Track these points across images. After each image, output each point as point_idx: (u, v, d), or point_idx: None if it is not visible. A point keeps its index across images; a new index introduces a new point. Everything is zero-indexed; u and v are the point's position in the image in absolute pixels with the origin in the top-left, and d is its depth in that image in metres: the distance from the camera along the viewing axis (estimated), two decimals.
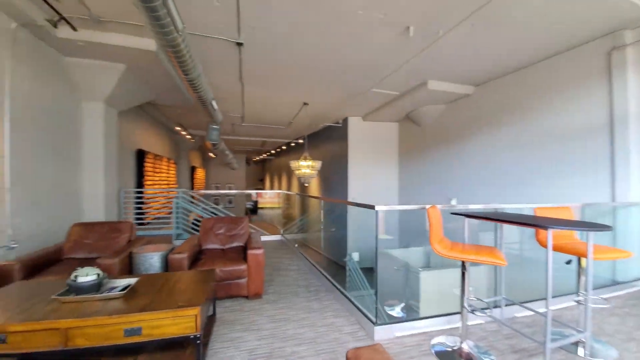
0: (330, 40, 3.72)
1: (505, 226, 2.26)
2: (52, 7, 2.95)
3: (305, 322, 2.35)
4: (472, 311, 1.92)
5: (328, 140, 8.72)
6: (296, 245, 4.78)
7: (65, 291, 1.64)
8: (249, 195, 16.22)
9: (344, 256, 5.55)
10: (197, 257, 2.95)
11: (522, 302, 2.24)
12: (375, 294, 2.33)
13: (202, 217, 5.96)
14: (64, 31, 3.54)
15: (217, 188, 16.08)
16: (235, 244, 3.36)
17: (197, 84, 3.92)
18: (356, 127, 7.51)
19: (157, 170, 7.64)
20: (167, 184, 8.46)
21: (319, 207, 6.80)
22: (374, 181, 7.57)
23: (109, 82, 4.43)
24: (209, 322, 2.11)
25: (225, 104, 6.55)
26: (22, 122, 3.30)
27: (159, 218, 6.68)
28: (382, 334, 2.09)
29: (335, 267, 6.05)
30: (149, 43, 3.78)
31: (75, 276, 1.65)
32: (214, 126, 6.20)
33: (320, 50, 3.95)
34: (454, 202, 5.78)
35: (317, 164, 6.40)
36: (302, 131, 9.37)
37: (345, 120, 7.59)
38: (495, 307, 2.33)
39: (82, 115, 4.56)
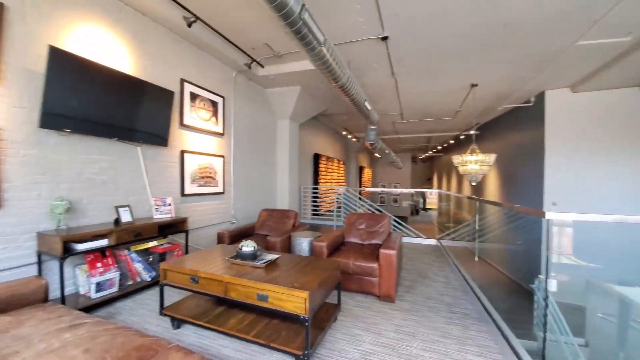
0: None
1: None
2: (249, 55, 4.16)
3: (436, 347, 1.96)
4: None
5: (511, 127, 6.83)
6: (448, 253, 4.08)
7: (234, 256, 2.27)
8: (415, 194, 15.63)
9: (531, 278, 4.14)
10: (338, 247, 3.18)
11: None
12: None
13: (373, 211, 6.37)
14: (261, 71, 4.89)
15: (384, 187, 16.65)
16: (374, 241, 3.34)
17: (347, 88, 4.22)
18: (559, 103, 5.33)
19: (329, 170, 8.91)
20: (337, 182, 9.70)
21: (492, 211, 5.48)
22: (592, 181, 5.14)
23: (291, 102, 5.65)
24: (329, 309, 2.22)
25: (381, 104, 6.66)
26: (240, 138, 4.86)
27: (330, 211, 7.73)
28: None
29: (510, 290, 4.64)
30: (308, 63, 4.48)
31: (241, 246, 2.23)
32: (371, 127, 6.46)
33: (481, 9, 3.13)
34: None
35: (489, 158, 5.16)
36: (474, 120, 7.90)
37: (540, 97, 5.63)
38: None
39: (277, 130, 6.10)
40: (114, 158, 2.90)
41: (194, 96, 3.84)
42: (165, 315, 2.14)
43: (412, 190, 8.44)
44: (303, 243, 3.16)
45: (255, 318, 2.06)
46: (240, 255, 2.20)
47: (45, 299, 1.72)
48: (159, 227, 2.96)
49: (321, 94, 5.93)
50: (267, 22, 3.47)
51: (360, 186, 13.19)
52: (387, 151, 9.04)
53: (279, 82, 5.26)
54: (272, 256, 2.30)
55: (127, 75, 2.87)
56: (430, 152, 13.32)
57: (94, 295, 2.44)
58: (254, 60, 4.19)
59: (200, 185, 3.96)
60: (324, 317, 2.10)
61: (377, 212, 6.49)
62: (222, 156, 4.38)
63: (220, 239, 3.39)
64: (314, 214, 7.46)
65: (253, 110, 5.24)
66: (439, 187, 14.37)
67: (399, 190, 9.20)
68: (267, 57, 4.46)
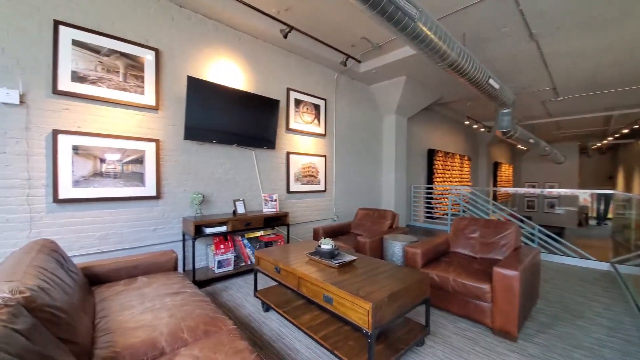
0: None
1: None
2: (344, 53, 4.13)
3: None
4: None
5: None
6: (627, 286, 2.62)
7: (313, 252, 2.28)
8: (588, 197, 11.47)
9: None
10: (439, 257, 2.67)
11: None
12: None
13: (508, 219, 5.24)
14: (362, 67, 4.79)
15: (533, 188, 13.05)
16: (491, 255, 2.60)
17: (460, 67, 3.51)
18: None
19: (448, 167, 7.80)
20: (460, 182, 8.36)
21: None
22: None
23: (396, 95, 5.28)
24: (413, 329, 1.86)
25: (518, 79, 5.23)
26: (342, 137, 4.93)
27: (453, 215, 6.72)
28: None
29: None
30: (409, 48, 4.03)
31: (320, 244, 2.22)
32: (504, 110, 5.15)
33: None
34: None
35: None
36: None
37: None
38: None
39: (382, 127, 5.85)
40: (235, 161, 3.53)
41: (298, 102, 4.18)
42: (257, 297, 2.39)
43: (582, 192, 6.20)
44: (395, 247, 2.85)
45: (328, 319, 2.00)
46: (318, 253, 2.19)
47: (174, 268, 2.26)
48: (265, 220, 3.37)
49: (431, 81, 5.24)
50: (359, 15, 3.35)
51: (495, 186, 10.86)
52: (531, 140, 7.02)
53: (382, 76, 5.01)
54: (350, 257, 2.17)
55: (242, 91, 3.43)
56: (611, 138, 9.41)
57: (216, 270, 3.03)
58: (349, 56, 4.15)
59: (303, 184, 4.27)
60: (403, 336, 1.79)
61: (512, 220, 5.12)
62: (324, 156, 4.57)
63: (315, 235, 3.54)
64: (427, 217, 6.70)
65: (356, 108, 5.22)
66: (628, 187, 9.93)
67: (556, 191, 7.02)
68: (366, 52, 4.32)
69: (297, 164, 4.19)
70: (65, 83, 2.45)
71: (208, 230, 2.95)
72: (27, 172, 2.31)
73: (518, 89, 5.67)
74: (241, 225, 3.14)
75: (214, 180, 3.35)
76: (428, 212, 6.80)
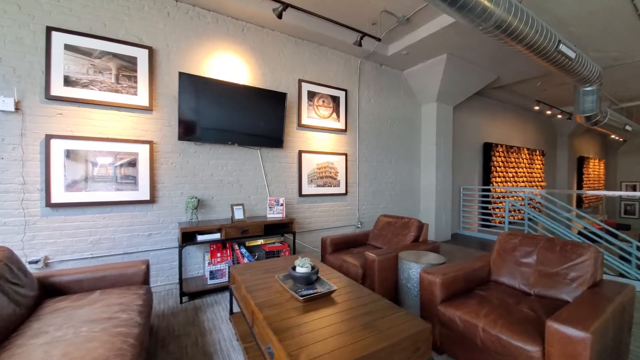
0: None
1: None
2: (361, 32, 3.52)
3: None
4: None
5: None
6: None
7: (287, 274, 1.81)
8: None
9: None
10: (473, 288, 1.94)
11: None
12: None
13: (597, 225, 4.06)
14: (390, 49, 4.11)
15: (634, 189, 10.19)
16: (552, 293, 1.76)
17: (511, 27, 2.64)
18: None
19: (512, 164, 6.46)
20: (528, 182, 6.86)
21: None
22: None
23: (435, 78, 4.43)
24: None
25: (608, 44, 3.90)
26: (367, 133, 4.30)
27: (514, 223, 5.47)
28: None
29: None
30: (446, 17, 3.26)
31: (296, 265, 1.75)
32: (586, 88, 3.89)
33: None
34: None
35: None
36: None
37: None
38: None
39: (421, 118, 5.02)
40: (239, 162, 3.26)
41: (311, 95, 3.74)
42: (231, 322, 2.04)
43: None
44: (411, 269, 2.19)
45: None
46: (291, 277, 1.72)
47: (143, 282, 2.04)
48: (265, 227, 3.02)
49: (481, 57, 4.25)
50: None
51: (580, 188, 8.74)
52: (629, 128, 5.28)
53: (417, 57, 4.23)
54: (328, 287, 1.66)
55: (243, 85, 3.13)
56: None
57: (209, 281, 2.79)
58: (364, 34, 3.51)
59: (319, 186, 3.81)
60: None
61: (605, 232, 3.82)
62: (344, 154, 4.04)
63: (322, 246, 3.04)
64: (483, 225, 5.57)
65: (385, 98, 4.54)
66: None
67: None
68: (392, 29, 3.65)
69: (311, 163, 3.75)
70: (57, 88, 2.45)
71: (200, 238, 2.72)
72: (23, 177, 2.36)
73: (607, 60, 4.26)
74: (237, 233, 2.84)
75: (214, 183, 3.13)
76: (484, 219, 5.66)
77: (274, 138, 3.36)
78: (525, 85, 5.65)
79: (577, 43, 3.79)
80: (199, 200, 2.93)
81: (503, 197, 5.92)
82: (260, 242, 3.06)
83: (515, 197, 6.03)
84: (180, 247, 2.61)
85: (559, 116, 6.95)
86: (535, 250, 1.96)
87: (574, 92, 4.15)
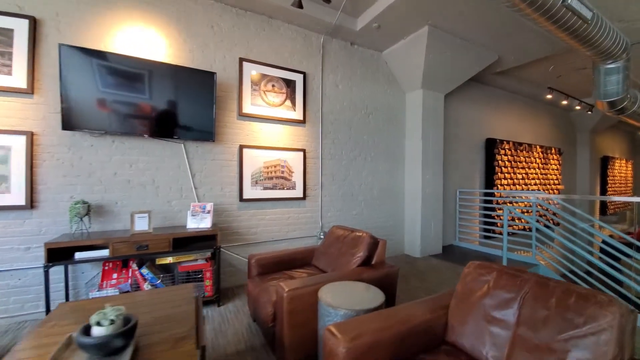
0: None
1: None
2: None
3: None
4: None
5: None
6: None
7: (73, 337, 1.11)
8: None
9: None
10: (414, 357, 1.19)
11: None
12: None
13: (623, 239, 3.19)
14: (359, 22, 3.38)
15: None
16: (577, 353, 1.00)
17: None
18: None
19: (520, 163, 5.54)
20: (542, 184, 5.90)
21: None
22: None
23: (418, 58, 3.65)
24: None
25: (636, 13, 3.02)
26: (335, 125, 3.55)
27: (515, 235, 4.57)
28: None
29: None
30: None
31: (86, 326, 1.04)
32: (609, 64, 3.00)
33: None
34: None
35: None
36: None
37: None
38: None
39: (405, 108, 4.25)
40: (154, 158, 2.62)
41: (257, 77, 3.06)
42: None
43: None
44: (329, 316, 1.45)
45: None
46: (77, 341, 1.02)
47: None
48: (176, 240, 2.35)
49: (474, 29, 3.45)
50: None
51: (604, 192, 7.61)
52: None
53: (393, 32, 3.48)
54: (129, 352, 0.95)
55: (159, 62, 2.50)
56: None
57: None
58: None
59: (267, 188, 3.11)
60: None
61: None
62: (302, 150, 3.32)
63: (249, 268, 2.32)
64: (485, 236, 4.70)
65: (359, 83, 3.80)
66: None
67: None
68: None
69: (257, 161, 3.06)
70: None
71: (79, 256, 2.08)
72: None
73: (637, 33, 3.34)
74: (131, 249, 2.18)
75: (118, 184, 2.49)
76: (487, 229, 4.79)
77: (202, 130, 2.70)
78: (535, 71, 4.75)
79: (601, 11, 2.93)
80: (89, 205, 2.30)
81: (510, 203, 5.01)
82: (169, 259, 2.40)
83: (522, 203, 5.10)
84: (46, 268, 1.98)
85: (578, 108, 5.95)
86: (518, 298, 1.18)
87: (592, 71, 3.27)
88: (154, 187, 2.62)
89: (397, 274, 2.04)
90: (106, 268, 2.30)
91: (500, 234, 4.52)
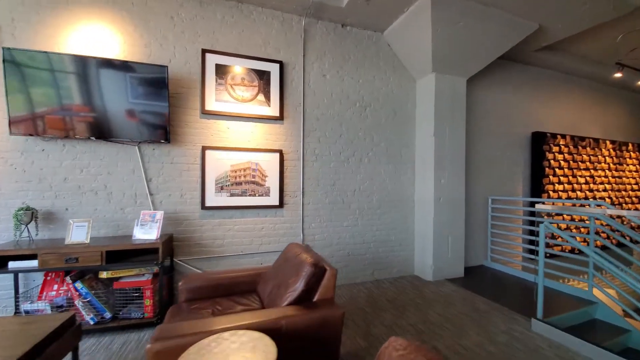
0: None
1: None
2: None
3: None
4: None
5: None
6: None
7: None
8: None
9: None
10: None
11: None
12: None
13: None
14: None
15: None
16: None
17: None
18: None
19: (583, 164, 4.33)
20: (615, 191, 4.54)
21: None
22: None
23: (424, 34, 2.96)
24: None
25: None
26: (321, 121, 3.07)
27: (555, 258, 3.50)
28: None
29: None
30: None
31: None
32: None
33: None
34: None
35: None
36: None
37: None
38: None
39: (416, 97, 3.54)
40: (106, 162, 2.46)
41: (223, 70, 2.73)
42: None
43: None
44: None
45: None
46: None
47: None
48: (107, 254, 2.11)
49: None
50: None
51: None
52: None
53: (388, 6, 2.86)
54: None
55: (107, 60, 2.32)
56: None
57: None
58: None
59: (235, 195, 2.76)
60: None
61: None
62: (279, 151, 2.90)
63: (178, 293, 1.96)
64: (529, 258, 3.69)
65: (352, 71, 3.23)
66: None
67: None
68: None
69: (222, 164, 2.73)
70: None
71: (12, 265, 1.97)
72: None
73: None
74: (60, 262, 2.00)
75: (69, 190, 2.37)
76: (531, 249, 3.76)
77: (157, 130, 2.46)
78: (596, 43, 3.57)
79: None
80: (33, 212, 2.20)
81: (561, 216, 3.88)
82: (104, 274, 2.17)
83: (570, 216, 3.90)
84: None
85: None
86: None
87: None
88: (106, 193, 2.46)
89: (340, 321, 1.47)
90: (48, 278, 2.17)
91: (550, 256, 3.51)
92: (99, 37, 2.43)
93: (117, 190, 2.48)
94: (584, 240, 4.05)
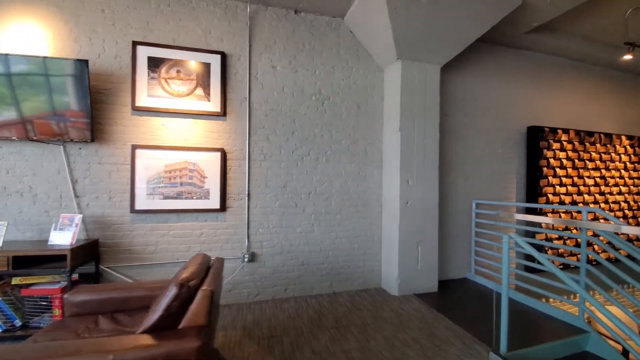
0: None
1: None
2: None
3: None
4: None
5: None
6: None
7: None
8: None
9: None
10: None
11: None
12: None
13: None
14: None
15: None
16: None
17: None
18: None
19: (590, 163, 3.74)
20: (630, 192, 3.90)
21: None
22: None
23: (381, 16, 2.61)
24: None
25: None
26: (270, 117, 2.81)
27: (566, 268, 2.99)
28: None
29: None
30: None
31: None
32: None
33: None
34: None
35: None
36: None
37: None
38: None
39: (383, 88, 3.18)
40: (31, 162, 2.34)
41: (156, 62, 2.54)
42: None
43: None
44: None
45: None
46: None
47: None
48: (15, 259, 1.98)
49: None
50: None
51: None
52: None
53: None
54: None
55: (25, 57, 2.20)
56: None
57: None
58: None
59: (169, 197, 2.56)
60: None
61: None
62: (220, 149, 2.67)
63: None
64: (529, 270, 3.20)
65: (307, 61, 2.94)
66: None
67: None
68: None
69: (155, 164, 2.54)
70: None
71: None
72: None
73: None
74: None
75: None
76: (530, 264, 3.27)
77: (82, 128, 2.32)
78: (600, 19, 3.00)
79: None
80: None
81: (568, 229, 3.32)
82: (15, 280, 2.04)
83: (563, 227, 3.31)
84: None
85: None
86: None
87: None
88: (31, 195, 2.34)
89: (194, 357, 1.20)
90: None
91: (536, 271, 3.02)
92: (28, 34, 2.33)
93: (42, 192, 2.36)
94: (571, 254, 3.45)
